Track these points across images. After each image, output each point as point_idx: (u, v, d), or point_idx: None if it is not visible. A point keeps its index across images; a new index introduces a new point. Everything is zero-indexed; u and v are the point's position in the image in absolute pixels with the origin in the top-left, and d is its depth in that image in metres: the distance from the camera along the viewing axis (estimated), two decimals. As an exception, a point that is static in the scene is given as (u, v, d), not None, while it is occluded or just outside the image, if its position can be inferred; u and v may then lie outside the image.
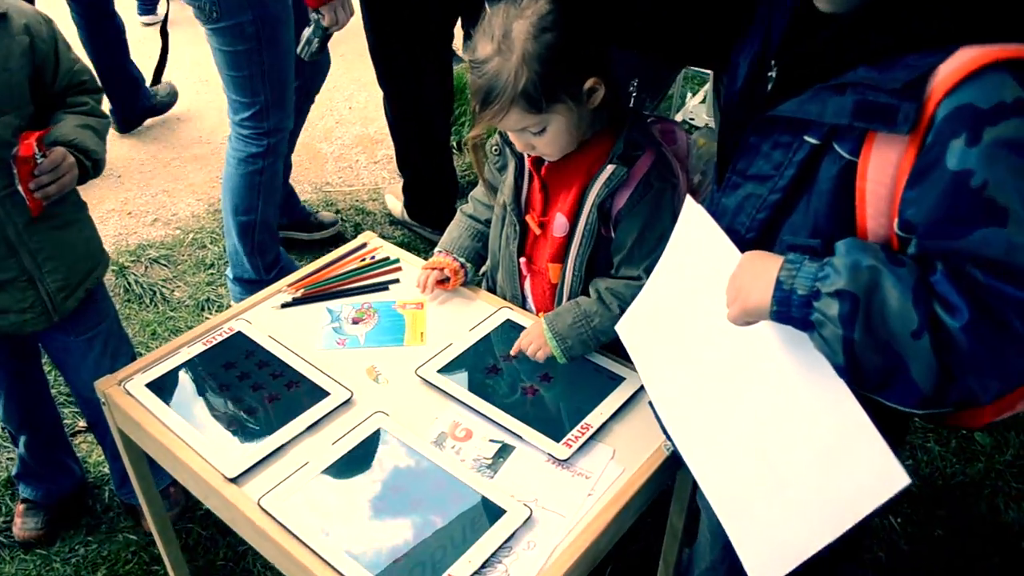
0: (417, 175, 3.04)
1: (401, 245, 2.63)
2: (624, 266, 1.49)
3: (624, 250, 1.48)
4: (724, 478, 1.14)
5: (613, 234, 1.49)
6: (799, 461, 1.03)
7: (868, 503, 0.96)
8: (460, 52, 4.47)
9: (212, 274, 2.94)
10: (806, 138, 0.98)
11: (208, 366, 1.52)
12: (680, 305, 1.19)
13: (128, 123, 3.75)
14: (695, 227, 1.14)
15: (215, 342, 1.58)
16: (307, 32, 2.30)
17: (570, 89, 1.35)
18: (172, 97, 3.89)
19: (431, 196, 3.07)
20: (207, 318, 2.57)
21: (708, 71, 3.52)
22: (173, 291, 2.87)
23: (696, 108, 3.77)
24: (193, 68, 4.25)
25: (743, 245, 1.06)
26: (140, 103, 3.74)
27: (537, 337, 1.49)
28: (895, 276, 0.88)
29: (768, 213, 1.05)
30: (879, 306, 0.88)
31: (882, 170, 0.92)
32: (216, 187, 3.40)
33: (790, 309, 0.93)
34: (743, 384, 1.09)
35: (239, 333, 1.60)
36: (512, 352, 1.51)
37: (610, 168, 1.44)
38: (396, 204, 3.22)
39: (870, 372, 0.92)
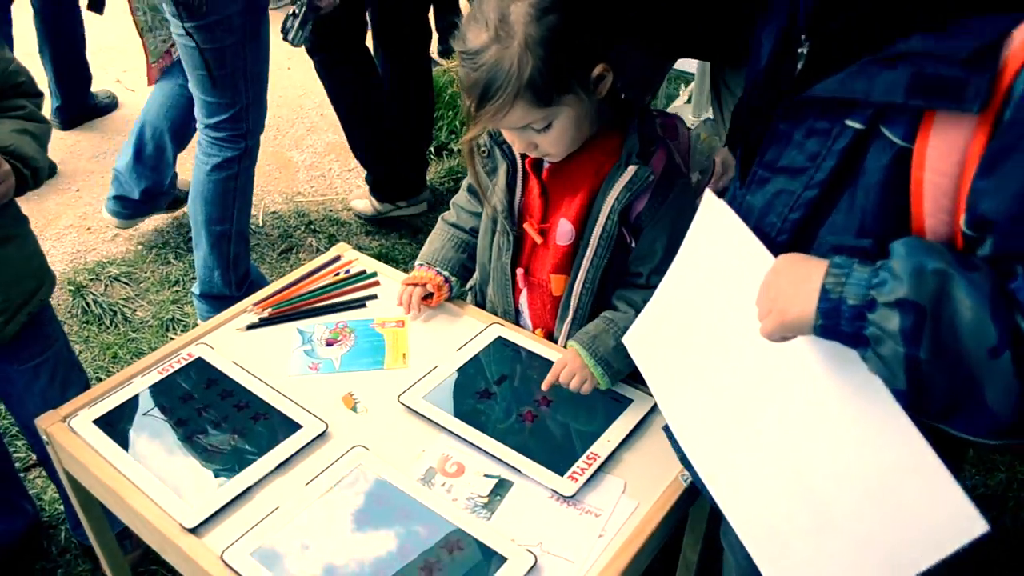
0: (373, 143, 2.95)
1: (379, 257, 2.48)
2: (656, 275, 1.34)
3: (655, 258, 1.34)
4: (759, 514, 0.99)
5: (634, 242, 1.34)
6: (849, 498, 0.89)
7: (935, 551, 0.82)
8: (436, 56, 4.34)
9: (177, 291, 2.76)
10: (848, 123, 0.84)
11: (164, 398, 1.36)
12: (700, 315, 1.04)
13: (71, 121, 3.66)
14: (716, 226, 0.99)
15: (172, 370, 1.41)
16: (293, 14, 2.16)
17: (579, 76, 1.20)
18: (113, 100, 3.85)
19: (399, 168, 3.00)
20: (172, 338, 2.40)
21: (692, 70, 3.40)
22: (135, 311, 2.69)
23: (681, 108, 3.65)
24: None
25: (773, 249, 0.91)
26: (87, 101, 3.69)
27: (578, 368, 1.33)
28: (968, 282, 0.74)
29: (803, 212, 0.90)
30: (949, 319, 0.74)
31: (945, 157, 0.78)
32: (180, 200, 3.21)
33: (839, 322, 0.79)
34: (779, 406, 0.94)
35: (199, 359, 1.43)
36: (544, 387, 1.34)
37: (631, 169, 1.29)
38: (364, 203, 3.11)
39: (936, 397, 0.78)
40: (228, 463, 1.23)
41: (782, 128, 0.91)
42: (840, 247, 0.84)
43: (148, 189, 2.85)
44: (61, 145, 3.51)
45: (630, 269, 1.38)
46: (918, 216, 0.82)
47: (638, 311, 1.32)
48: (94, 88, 3.71)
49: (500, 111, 1.19)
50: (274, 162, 3.47)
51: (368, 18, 2.78)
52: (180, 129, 2.77)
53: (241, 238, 2.43)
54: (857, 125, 0.83)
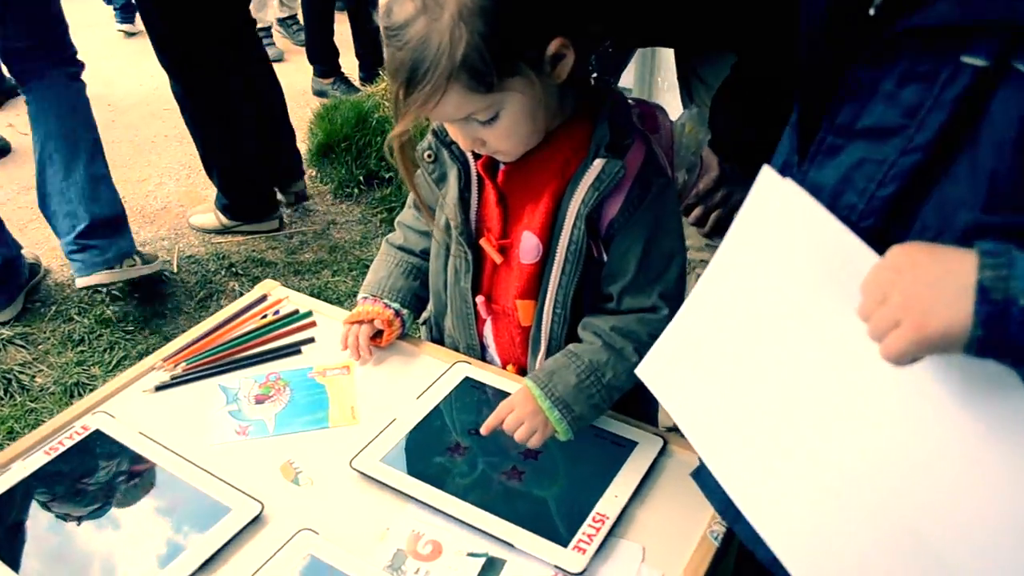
0: (232, 170, 2.89)
1: (314, 294, 2.21)
2: (629, 295, 1.12)
3: (627, 274, 1.11)
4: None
5: (605, 254, 1.12)
6: (979, 557, 0.67)
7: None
8: (358, 82, 4.11)
9: (82, 352, 2.43)
10: (965, 59, 0.63)
11: (52, 485, 1.07)
12: (756, 329, 0.80)
13: None
14: (779, 212, 0.76)
15: (63, 449, 1.13)
16: None
17: (529, 55, 0.98)
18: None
19: (251, 184, 2.93)
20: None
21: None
22: (34, 376, 2.35)
23: (664, 97, 3.45)
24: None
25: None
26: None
27: (529, 412, 1.08)
28: None
29: (898, 185, 0.69)
30: None
31: None
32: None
33: (1006, 332, 0.57)
34: (879, 439, 0.73)
35: (97, 432, 1.15)
36: (483, 431, 1.09)
37: (598, 163, 1.07)
38: (208, 218, 2.98)
39: None
40: (138, 566, 0.95)
41: (863, 77, 0.69)
42: (986, 226, 0.62)
43: None
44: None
45: (602, 289, 1.16)
46: None
47: (606, 342, 1.10)
48: None
49: (431, 98, 0.96)
50: (187, 202, 3.17)
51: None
52: None
53: None
54: (979, 62, 0.62)
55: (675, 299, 1.12)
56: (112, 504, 1.04)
